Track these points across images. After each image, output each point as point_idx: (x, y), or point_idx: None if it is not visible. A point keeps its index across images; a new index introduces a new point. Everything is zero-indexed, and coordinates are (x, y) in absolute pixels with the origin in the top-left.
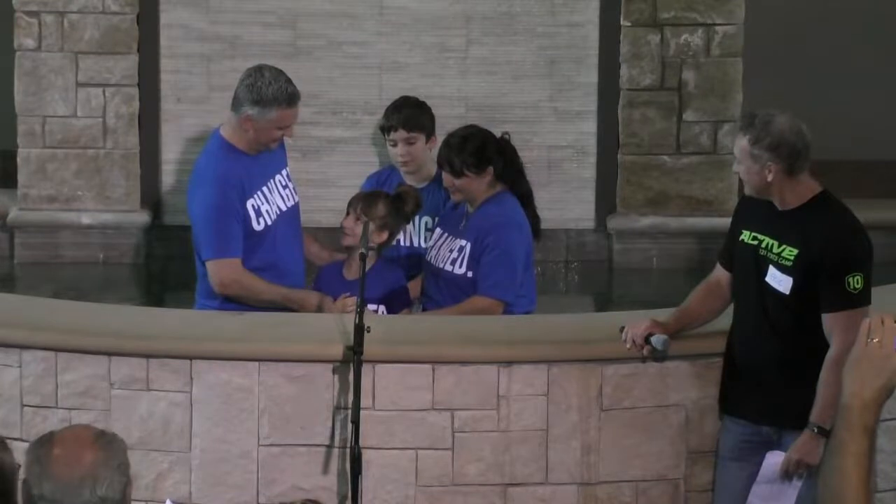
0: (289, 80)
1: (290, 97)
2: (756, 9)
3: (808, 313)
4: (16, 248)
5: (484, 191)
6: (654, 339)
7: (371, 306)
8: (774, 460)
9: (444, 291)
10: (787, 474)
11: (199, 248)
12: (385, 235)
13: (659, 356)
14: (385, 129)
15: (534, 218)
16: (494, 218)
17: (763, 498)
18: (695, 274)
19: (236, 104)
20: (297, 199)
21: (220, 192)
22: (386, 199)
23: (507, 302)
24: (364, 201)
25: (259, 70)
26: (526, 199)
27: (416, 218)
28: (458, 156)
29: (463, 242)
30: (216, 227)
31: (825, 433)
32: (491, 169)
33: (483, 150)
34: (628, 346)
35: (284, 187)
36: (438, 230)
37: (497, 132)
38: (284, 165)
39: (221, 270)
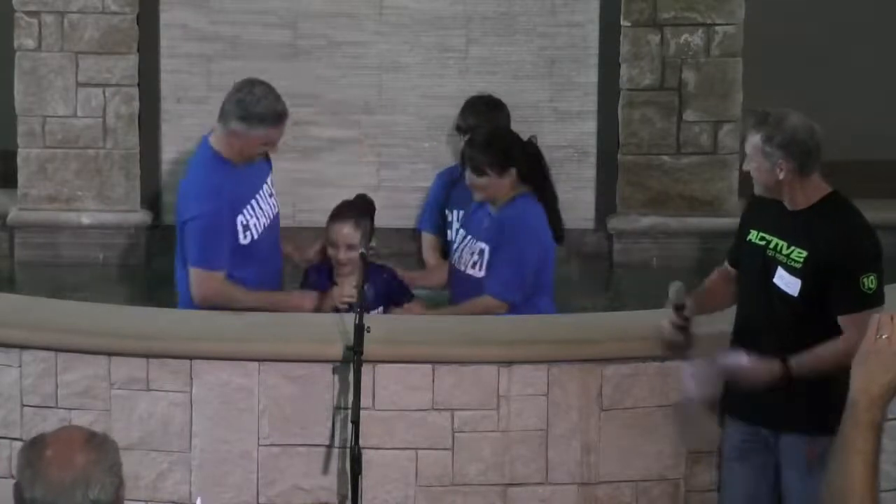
0: (278, 98)
1: (277, 116)
2: (756, 9)
3: (813, 315)
4: (16, 248)
5: (506, 192)
6: (669, 289)
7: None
8: (735, 360)
9: (469, 294)
10: (728, 373)
11: (186, 256)
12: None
13: (677, 303)
14: (462, 129)
15: (556, 223)
16: (510, 220)
17: (695, 378)
18: (695, 274)
19: (224, 117)
20: (277, 207)
21: (213, 204)
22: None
23: (512, 303)
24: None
25: (250, 84)
26: (549, 203)
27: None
28: (481, 154)
29: (483, 245)
30: (206, 238)
31: (789, 375)
32: (513, 171)
33: (507, 152)
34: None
35: (270, 195)
36: (462, 231)
37: (524, 135)
38: (269, 171)
39: (205, 283)
